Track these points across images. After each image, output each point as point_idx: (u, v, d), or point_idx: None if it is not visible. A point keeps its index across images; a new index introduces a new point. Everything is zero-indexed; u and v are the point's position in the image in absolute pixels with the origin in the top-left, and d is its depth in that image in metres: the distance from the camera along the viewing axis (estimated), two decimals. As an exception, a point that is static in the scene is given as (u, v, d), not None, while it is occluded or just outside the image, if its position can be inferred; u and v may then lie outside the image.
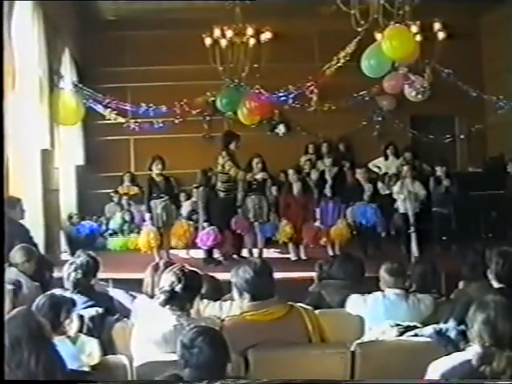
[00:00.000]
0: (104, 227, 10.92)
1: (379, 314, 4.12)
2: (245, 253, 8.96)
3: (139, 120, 11.50)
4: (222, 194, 8.89)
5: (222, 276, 4.79)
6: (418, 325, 3.83)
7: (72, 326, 3.47)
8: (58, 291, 4.06)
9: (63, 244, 9.80)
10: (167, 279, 3.54)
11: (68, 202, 10.71)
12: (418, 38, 9.10)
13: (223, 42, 10.01)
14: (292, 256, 8.98)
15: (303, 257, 8.93)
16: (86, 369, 3.22)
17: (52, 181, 9.30)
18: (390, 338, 3.77)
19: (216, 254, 8.94)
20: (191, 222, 9.72)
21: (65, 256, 8.94)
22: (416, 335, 3.70)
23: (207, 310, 4.03)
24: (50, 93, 9.33)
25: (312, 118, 11.83)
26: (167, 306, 3.46)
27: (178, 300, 3.46)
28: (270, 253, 9.15)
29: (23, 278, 4.77)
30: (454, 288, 4.80)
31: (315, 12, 10.75)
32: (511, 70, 11.26)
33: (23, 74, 7.81)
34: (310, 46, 12.15)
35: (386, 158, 11.11)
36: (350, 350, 3.46)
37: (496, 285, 3.97)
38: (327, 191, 9.62)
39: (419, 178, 9.38)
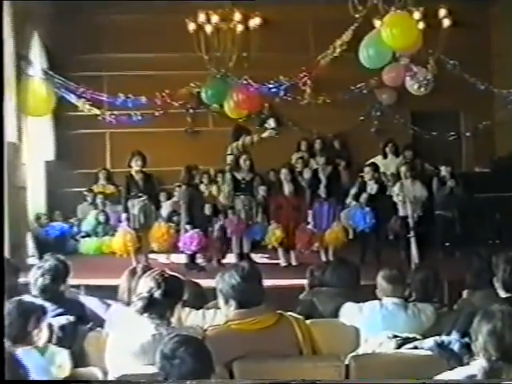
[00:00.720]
0: (76, 229, 10.89)
1: (376, 324, 4.13)
2: (231, 258, 8.97)
3: (116, 112, 11.39)
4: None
5: (205, 282, 4.82)
6: (418, 336, 3.85)
7: (41, 335, 3.46)
8: (27, 297, 4.04)
9: (30, 247, 9.75)
10: (145, 285, 3.54)
11: (36, 201, 10.66)
12: (421, 25, 9.16)
13: (208, 28, 10.03)
14: (282, 262, 9.01)
15: (294, 262, 8.97)
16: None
17: (19, 177, 9.27)
18: (387, 350, 3.79)
19: (199, 259, 8.96)
20: (171, 224, 9.71)
21: (32, 260, 8.91)
22: (416, 348, 3.71)
23: (189, 318, 4.04)
24: (17, 80, 9.28)
25: (305, 113, 11.86)
26: (145, 314, 3.46)
27: (157, 307, 3.46)
28: (258, 258, 9.19)
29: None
30: (457, 297, 4.84)
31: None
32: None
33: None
34: (303, 34, 12.12)
35: (385, 157, 11.14)
36: (344, 363, 3.47)
37: (503, 294, 3.99)
38: (321, 192, 9.65)
39: (420, 178, 9.43)
